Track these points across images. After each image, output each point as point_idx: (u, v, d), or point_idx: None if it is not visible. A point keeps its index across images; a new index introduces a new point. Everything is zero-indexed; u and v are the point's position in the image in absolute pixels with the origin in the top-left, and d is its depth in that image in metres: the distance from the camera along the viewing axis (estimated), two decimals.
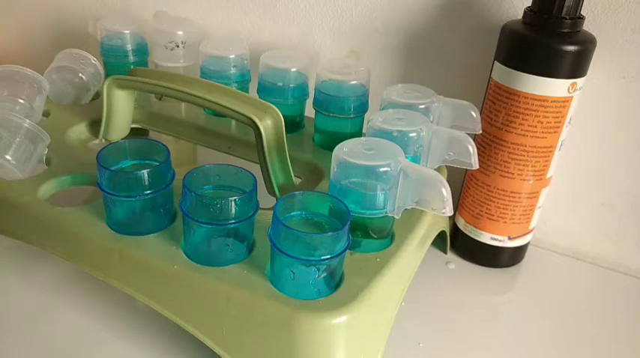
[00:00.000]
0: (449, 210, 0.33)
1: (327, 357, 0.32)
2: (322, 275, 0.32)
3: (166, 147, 0.37)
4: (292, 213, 0.33)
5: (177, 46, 0.53)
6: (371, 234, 0.36)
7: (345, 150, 0.35)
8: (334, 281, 0.33)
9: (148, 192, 0.35)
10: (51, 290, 0.44)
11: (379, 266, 0.35)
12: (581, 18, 0.42)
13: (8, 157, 0.40)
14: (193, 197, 0.32)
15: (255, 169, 0.39)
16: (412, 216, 0.40)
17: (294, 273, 0.32)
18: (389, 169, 0.34)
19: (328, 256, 0.31)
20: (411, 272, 0.40)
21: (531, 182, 0.46)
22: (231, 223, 0.33)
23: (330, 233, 0.31)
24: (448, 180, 0.43)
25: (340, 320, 0.31)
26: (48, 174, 0.42)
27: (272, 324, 0.32)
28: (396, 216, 0.35)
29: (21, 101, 0.45)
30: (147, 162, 0.38)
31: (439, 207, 0.33)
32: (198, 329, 0.34)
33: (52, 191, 0.41)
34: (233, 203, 0.32)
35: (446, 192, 0.33)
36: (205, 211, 0.32)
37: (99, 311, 0.42)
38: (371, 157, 0.34)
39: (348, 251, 0.34)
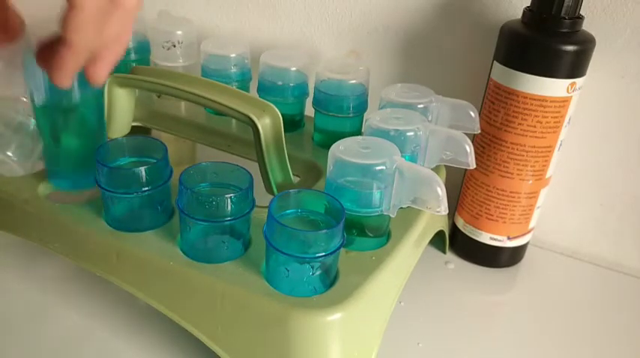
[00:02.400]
0: (444, 209, 0.33)
1: (322, 354, 0.32)
2: (317, 273, 0.32)
3: (164, 145, 0.37)
4: (288, 211, 0.33)
5: (174, 46, 0.53)
6: (367, 232, 0.37)
7: (341, 149, 0.35)
8: (329, 279, 0.33)
9: (146, 189, 0.35)
10: (50, 288, 0.44)
11: (375, 264, 0.35)
12: (581, 18, 0.42)
13: (9, 154, 0.40)
14: (190, 194, 0.33)
15: (256, 168, 0.40)
16: (409, 215, 0.40)
17: (288, 271, 0.32)
18: (384, 168, 0.34)
19: (322, 254, 0.31)
20: (407, 270, 0.40)
21: (530, 182, 0.46)
22: (227, 220, 0.33)
23: (324, 230, 0.31)
24: (447, 180, 0.43)
25: (335, 317, 0.31)
26: None
27: (267, 321, 0.32)
28: (391, 215, 0.36)
29: (23, 99, 0.46)
30: (145, 159, 0.38)
31: (434, 206, 0.34)
32: (194, 325, 0.35)
33: (52, 188, 0.41)
34: (229, 200, 0.33)
35: (441, 191, 0.33)
36: (201, 208, 0.33)
37: (98, 309, 0.43)
38: (367, 156, 0.34)
39: (343, 249, 0.35)
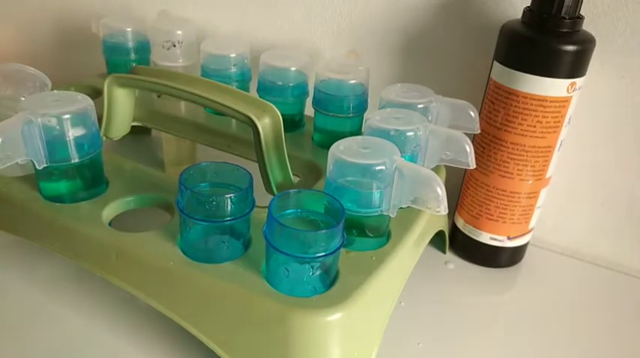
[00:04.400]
0: (444, 209, 0.33)
1: (322, 354, 0.32)
2: (317, 273, 0.32)
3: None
4: (287, 211, 0.33)
5: (174, 46, 0.53)
6: (367, 232, 0.37)
7: (341, 149, 0.35)
8: (329, 279, 0.33)
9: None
10: (50, 288, 0.44)
11: (375, 264, 0.35)
12: (581, 18, 0.42)
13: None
14: (190, 194, 0.33)
15: (256, 168, 0.40)
16: (409, 215, 0.40)
17: (288, 271, 0.32)
18: (384, 168, 0.34)
19: (322, 254, 0.31)
20: (407, 271, 0.40)
21: (530, 182, 0.46)
22: (227, 220, 0.33)
23: (323, 230, 0.31)
24: (447, 180, 0.43)
25: (334, 317, 0.31)
26: None
27: (266, 321, 0.32)
28: (391, 215, 0.35)
29: (22, 98, 0.46)
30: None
31: (434, 206, 0.33)
32: (194, 325, 0.35)
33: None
34: (229, 200, 0.33)
35: (441, 191, 0.33)
36: (201, 208, 0.33)
37: (98, 309, 0.43)
38: (366, 156, 0.34)
39: (343, 249, 0.35)
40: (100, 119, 0.47)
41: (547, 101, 0.42)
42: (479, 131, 0.43)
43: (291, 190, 0.33)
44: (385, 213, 0.35)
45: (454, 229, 0.52)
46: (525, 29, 0.42)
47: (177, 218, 0.37)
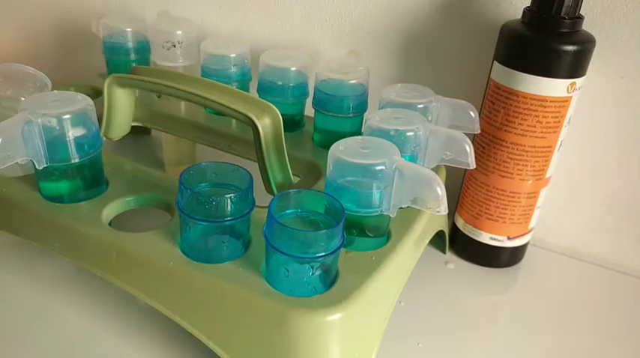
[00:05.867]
0: (444, 209, 0.33)
1: (321, 354, 0.32)
2: (316, 273, 0.32)
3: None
4: (287, 211, 0.33)
5: (174, 46, 0.53)
6: (367, 232, 0.37)
7: (340, 149, 0.35)
8: (329, 279, 0.33)
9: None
10: (50, 288, 0.44)
11: (374, 264, 0.35)
12: (581, 18, 0.42)
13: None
14: (189, 194, 0.33)
15: (256, 168, 0.40)
16: (409, 215, 0.40)
17: (288, 271, 0.32)
18: (384, 168, 0.34)
19: (322, 254, 0.31)
20: (407, 271, 0.40)
21: (530, 182, 0.46)
22: (227, 220, 0.33)
23: (323, 230, 0.31)
24: (448, 180, 0.43)
25: (334, 317, 0.31)
26: None
27: (266, 321, 0.32)
28: (391, 215, 0.35)
29: (23, 99, 0.46)
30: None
31: (434, 206, 0.33)
32: (194, 325, 0.35)
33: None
34: (229, 200, 0.33)
35: (441, 191, 0.33)
36: (201, 208, 0.33)
37: (98, 309, 0.43)
38: (366, 156, 0.34)
39: (343, 249, 0.35)
40: (100, 119, 0.47)
41: (547, 101, 0.42)
42: (479, 131, 0.43)
43: (291, 190, 0.33)
44: (385, 213, 0.35)
45: (454, 229, 0.52)
46: (525, 29, 0.42)
47: (177, 218, 0.37)
